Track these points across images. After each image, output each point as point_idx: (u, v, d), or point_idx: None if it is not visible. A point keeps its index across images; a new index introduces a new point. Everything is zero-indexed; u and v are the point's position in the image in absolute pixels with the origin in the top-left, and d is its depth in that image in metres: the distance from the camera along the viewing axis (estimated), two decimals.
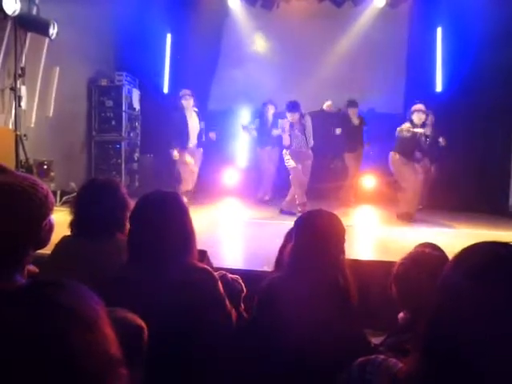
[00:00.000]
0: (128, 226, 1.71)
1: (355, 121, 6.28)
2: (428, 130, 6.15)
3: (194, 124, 5.82)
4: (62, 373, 0.59)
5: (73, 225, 1.72)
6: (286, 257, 1.69)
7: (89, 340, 0.63)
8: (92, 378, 0.61)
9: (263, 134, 6.32)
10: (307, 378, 1.44)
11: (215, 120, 6.81)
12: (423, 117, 5.11)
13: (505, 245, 0.80)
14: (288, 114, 5.36)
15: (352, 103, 6.27)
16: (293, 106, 5.33)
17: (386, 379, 0.86)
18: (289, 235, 1.79)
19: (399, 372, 0.85)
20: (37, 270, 1.55)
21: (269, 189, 6.50)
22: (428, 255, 1.60)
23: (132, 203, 1.79)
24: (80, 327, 0.63)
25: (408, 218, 4.98)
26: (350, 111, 6.28)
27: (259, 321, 1.68)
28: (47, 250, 1.48)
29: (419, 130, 5.11)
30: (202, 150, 6.00)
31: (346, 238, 1.70)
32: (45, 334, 0.60)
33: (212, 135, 6.20)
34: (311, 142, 5.49)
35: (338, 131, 6.30)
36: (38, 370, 0.58)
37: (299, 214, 2.31)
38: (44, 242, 1.18)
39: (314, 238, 1.62)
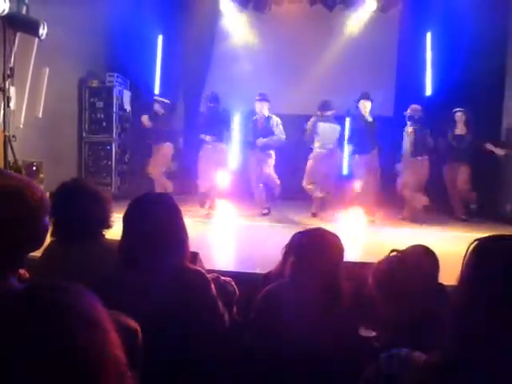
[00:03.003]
0: (111, 219, 1.74)
1: (368, 117, 5.39)
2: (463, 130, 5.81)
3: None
4: (68, 373, 0.59)
5: (53, 233, 1.70)
6: (287, 270, 1.74)
7: (95, 340, 0.63)
8: (98, 378, 0.62)
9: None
10: (307, 377, 1.47)
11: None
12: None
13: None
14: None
15: (364, 95, 5.44)
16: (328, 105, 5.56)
17: (413, 371, 0.89)
18: (289, 247, 1.83)
19: (425, 363, 0.89)
20: (27, 275, 1.54)
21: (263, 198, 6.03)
22: (401, 258, 1.63)
23: (109, 196, 1.79)
24: (86, 328, 0.63)
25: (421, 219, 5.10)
26: (361, 105, 5.42)
27: (260, 323, 1.70)
28: (37, 253, 1.47)
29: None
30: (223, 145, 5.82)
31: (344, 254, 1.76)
32: (52, 335, 0.60)
33: None
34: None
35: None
36: (45, 371, 0.58)
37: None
38: (39, 244, 1.18)
39: (314, 260, 1.67)
